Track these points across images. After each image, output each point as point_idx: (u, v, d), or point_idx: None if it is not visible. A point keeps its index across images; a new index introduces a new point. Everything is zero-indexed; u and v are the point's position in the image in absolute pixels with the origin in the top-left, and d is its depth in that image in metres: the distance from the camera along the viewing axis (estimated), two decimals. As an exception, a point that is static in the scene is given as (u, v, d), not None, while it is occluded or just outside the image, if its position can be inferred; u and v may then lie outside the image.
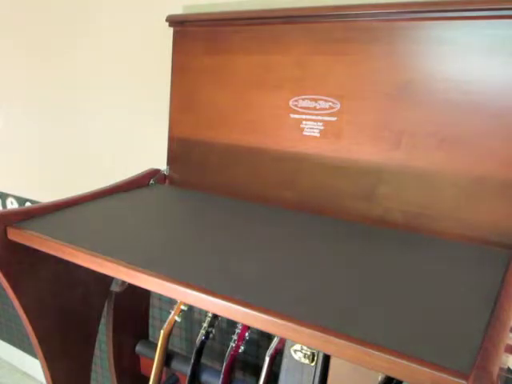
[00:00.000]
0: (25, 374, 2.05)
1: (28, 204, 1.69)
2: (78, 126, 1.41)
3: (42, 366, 0.92)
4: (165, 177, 1.09)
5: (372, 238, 0.74)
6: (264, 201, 0.95)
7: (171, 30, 1.03)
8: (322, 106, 0.84)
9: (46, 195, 1.60)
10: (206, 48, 0.99)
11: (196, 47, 1.00)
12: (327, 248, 0.69)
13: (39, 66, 1.44)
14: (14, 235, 0.75)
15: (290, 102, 0.88)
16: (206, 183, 1.02)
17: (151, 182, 1.05)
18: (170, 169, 1.08)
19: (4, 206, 1.78)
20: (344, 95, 0.82)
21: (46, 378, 0.93)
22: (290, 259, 0.65)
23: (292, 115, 0.88)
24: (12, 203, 1.75)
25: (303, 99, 0.86)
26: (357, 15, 0.79)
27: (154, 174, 1.07)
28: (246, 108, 0.95)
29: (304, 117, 0.86)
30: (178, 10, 1.09)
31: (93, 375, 1.07)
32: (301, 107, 0.86)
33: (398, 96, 0.78)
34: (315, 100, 0.84)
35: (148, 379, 1.08)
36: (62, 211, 0.84)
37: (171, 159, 1.07)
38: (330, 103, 0.82)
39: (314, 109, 0.84)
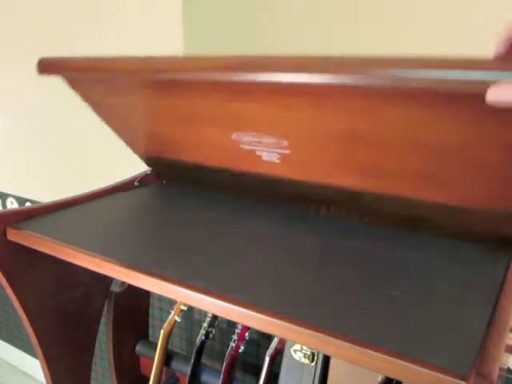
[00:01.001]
0: (25, 374, 2.05)
1: (28, 204, 1.69)
2: (78, 125, 1.41)
3: (42, 366, 0.92)
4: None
5: (368, 238, 0.73)
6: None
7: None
8: (269, 142, 0.71)
9: (46, 195, 1.60)
10: (107, 90, 0.78)
11: (94, 90, 0.79)
12: (326, 246, 0.69)
13: (39, 65, 1.44)
14: (13, 235, 0.75)
15: (233, 137, 0.74)
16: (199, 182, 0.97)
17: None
18: (153, 171, 1.01)
19: (4, 206, 1.78)
20: (289, 136, 0.68)
21: (46, 378, 0.93)
22: (286, 258, 0.65)
23: (242, 146, 0.75)
24: (12, 203, 1.75)
25: (245, 135, 0.72)
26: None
27: (153, 173, 1.07)
28: (193, 137, 0.80)
29: (256, 148, 0.74)
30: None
31: (93, 375, 1.07)
32: (247, 141, 0.73)
33: (351, 140, 0.65)
34: (258, 136, 0.71)
35: (148, 379, 1.08)
36: (61, 211, 0.84)
37: (149, 164, 1.01)
38: (275, 140, 0.69)
39: (261, 144, 0.72)
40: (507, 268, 0.62)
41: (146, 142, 0.91)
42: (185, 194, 0.97)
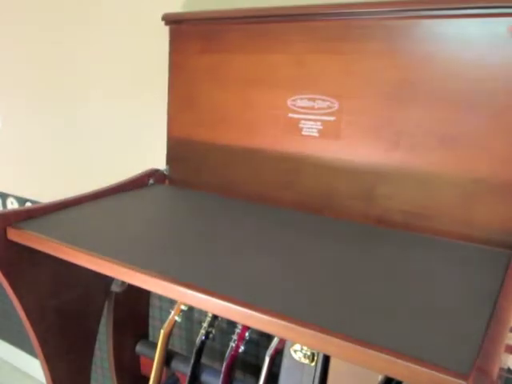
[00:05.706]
0: (25, 373, 2.05)
1: (28, 204, 1.69)
2: (78, 125, 1.41)
3: (42, 366, 0.92)
4: (165, 176, 1.09)
5: (371, 238, 0.74)
6: (263, 200, 0.95)
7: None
8: (321, 106, 0.84)
9: (46, 195, 1.60)
10: (203, 46, 0.98)
11: (193, 46, 0.99)
12: (327, 248, 0.69)
13: (39, 65, 1.44)
14: (14, 235, 0.75)
15: (289, 102, 0.87)
16: (205, 182, 1.02)
17: (150, 181, 1.05)
18: (169, 168, 1.07)
19: (4, 206, 1.78)
20: (342, 95, 0.82)
21: (46, 378, 0.93)
22: (290, 259, 0.65)
23: (291, 115, 0.88)
24: (12, 203, 1.75)
25: (301, 99, 0.86)
26: (353, 13, 0.80)
27: (154, 173, 1.07)
28: (244, 108, 0.95)
29: (302, 116, 0.86)
30: (176, 7, 1.09)
31: (93, 375, 1.07)
32: (299, 106, 0.86)
33: (395, 95, 0.78)
34: (313, 99, 0.84)
35: (148, 379, 1.08)
36: (62, 211, 0.84)
37: (170, 158, 1.07)
38: (329, 103, 0.82)
39: (313, 108, 0.84)
40: (507, 268, 0.62)
41: (192, 115, 1.03)
42: (187, 195, 0.97)
